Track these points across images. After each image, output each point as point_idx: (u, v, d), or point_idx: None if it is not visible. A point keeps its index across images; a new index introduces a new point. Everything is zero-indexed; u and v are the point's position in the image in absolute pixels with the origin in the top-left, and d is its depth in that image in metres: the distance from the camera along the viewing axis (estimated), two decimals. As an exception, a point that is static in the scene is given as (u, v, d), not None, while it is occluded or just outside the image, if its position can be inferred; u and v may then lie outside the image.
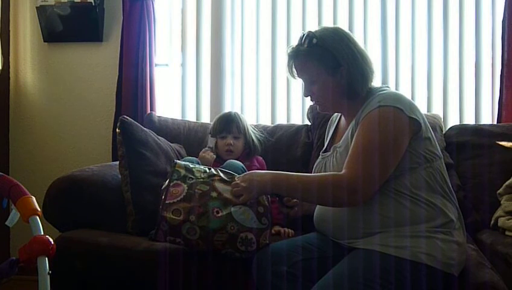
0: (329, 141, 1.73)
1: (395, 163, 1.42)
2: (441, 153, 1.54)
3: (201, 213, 1.57)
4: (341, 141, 1.57)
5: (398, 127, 1.43)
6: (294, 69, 1.61)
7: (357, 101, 1.55)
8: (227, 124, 2.17)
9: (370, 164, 1.40)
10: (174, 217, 1.57)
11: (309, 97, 1.63)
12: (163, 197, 1.62)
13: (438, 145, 1.53)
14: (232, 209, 1.58)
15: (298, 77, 1.62)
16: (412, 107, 1.47)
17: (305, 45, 1.55)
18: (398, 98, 1.48)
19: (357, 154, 1.43)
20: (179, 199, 1.59)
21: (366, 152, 1.42)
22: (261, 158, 2.22)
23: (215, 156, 2.14)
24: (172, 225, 1.57)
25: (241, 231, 1.57)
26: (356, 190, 1.40)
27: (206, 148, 2.19)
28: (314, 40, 1.53)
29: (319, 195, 1.48)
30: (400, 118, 1.43)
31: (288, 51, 1.60)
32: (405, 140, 1.44)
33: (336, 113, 1.77)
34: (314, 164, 1.74)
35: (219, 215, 1.57)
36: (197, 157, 2.13)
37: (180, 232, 1.58)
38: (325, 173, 1.57)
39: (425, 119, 1.50)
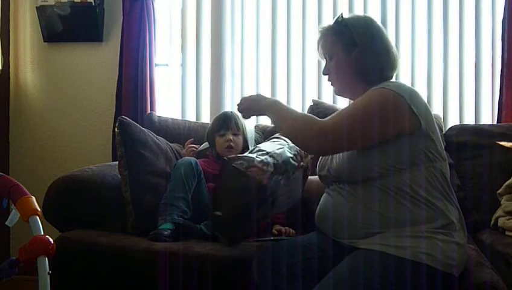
0: None
1: (367, 133, 1.44)
2: (446, 156, 1.53)
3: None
4: None
5: (387, 104, 1.43)
6: (320, 48, 1.65)
7: (368, 88, 1.55)
8: (225, 121, 2.18)
9: (342, 121, 1.46)
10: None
11: (327, 77, 1.66)
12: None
13: (443, 149, 1.53)
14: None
15: (323, 55, 1.66)
16: (418, 101, 1.46)
17: (332, 23, 1.63)
18: (406, 89, 1.48)
19: (340, 112, 1.52)
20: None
21: (346, 112, 1.49)
22: (260, 158, 2.21)
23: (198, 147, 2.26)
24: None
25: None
26: (326, 138, 1.46)
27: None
28: (340, 18, 1.60)
29: (292, 124, 1.56)
30: (394, 100, 1.43)
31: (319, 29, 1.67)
32: (389, 121, 1.43)
33: None
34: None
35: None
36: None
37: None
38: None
39: (433, 119, 1.49)
